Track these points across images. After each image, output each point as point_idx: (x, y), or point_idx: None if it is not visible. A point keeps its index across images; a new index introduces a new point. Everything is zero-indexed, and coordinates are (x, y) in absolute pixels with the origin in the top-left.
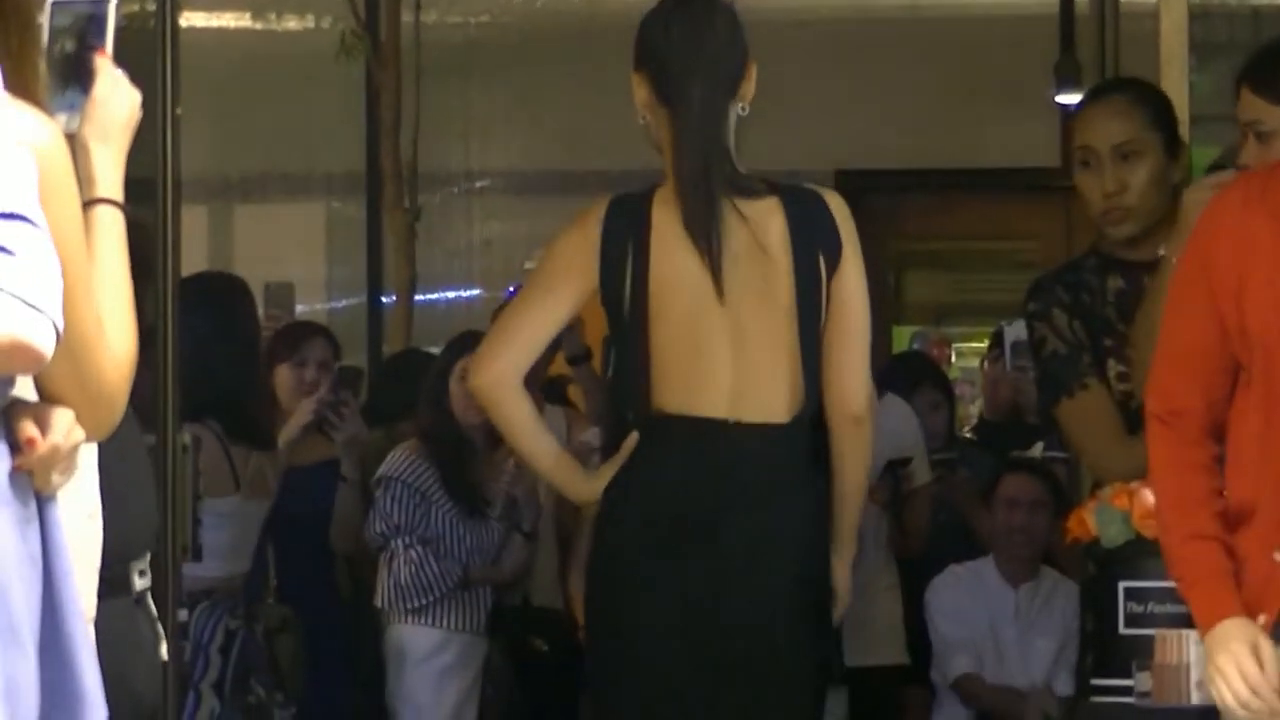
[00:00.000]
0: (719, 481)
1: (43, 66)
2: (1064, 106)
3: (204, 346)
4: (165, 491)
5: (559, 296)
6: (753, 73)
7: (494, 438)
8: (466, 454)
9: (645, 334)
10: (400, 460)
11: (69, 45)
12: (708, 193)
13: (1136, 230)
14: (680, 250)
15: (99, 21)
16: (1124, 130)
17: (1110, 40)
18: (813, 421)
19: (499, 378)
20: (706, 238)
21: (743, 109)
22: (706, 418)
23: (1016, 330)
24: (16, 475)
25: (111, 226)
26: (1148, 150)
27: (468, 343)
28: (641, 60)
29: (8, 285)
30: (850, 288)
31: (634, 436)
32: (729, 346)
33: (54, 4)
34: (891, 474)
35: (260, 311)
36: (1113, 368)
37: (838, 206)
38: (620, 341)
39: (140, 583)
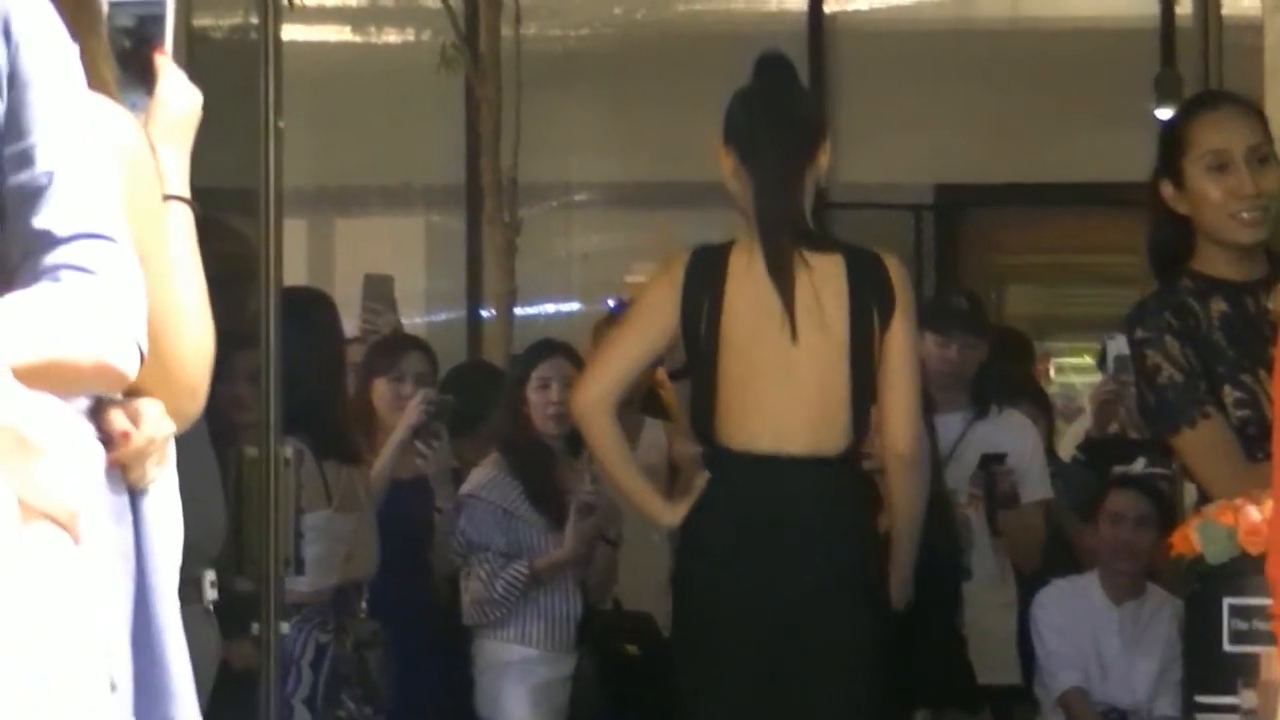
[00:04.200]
0: (776, 512)
1: (111, 56)
2: (1165, 121)
3: (290, 361)
4: (268, 505)
5: (646, 334)
6: (828, 146)
7: (574, 445)
8: (547, 463)
9: (715, 371)
10: (483, 478)
11: (128, 45)
12: (784, 245)
13: (1266, 235)
14: (751, 297)
15: (158, 21)
16: (1259, 133)
17: (1214, 54)
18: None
19: (594, 404)
20: (785, 285)
21: (820, 180)
22: (760, 454)
23: (1118, 344)
24: (109, 469)
25: (184, 222)
26: (1272, 157)
27: (543, 351)
28: (728, 134)
29: (92, 307)
30: (899, 342)
31: (705, 475)
32: (787, 385)
33: (112, 4)
34: (986, 471)
35: (359, 304)
36: (1229, 394)
37: (895, 269)
38: (695, 376)
39: (211, 593)
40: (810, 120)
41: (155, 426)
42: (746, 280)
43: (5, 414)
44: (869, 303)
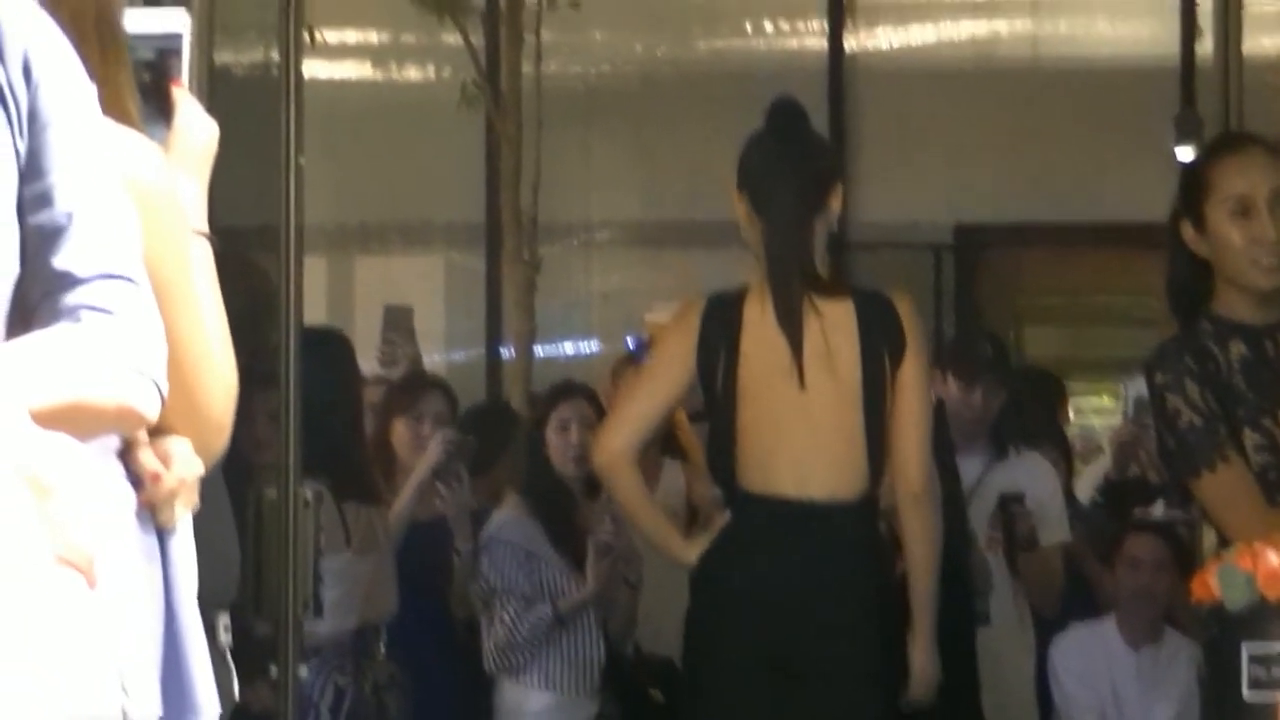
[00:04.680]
0: (793, 557)
1: (136, 90)
2: (1187, 162)
3: (307, 402)
4: (287, 547)
5: (664, 383)
6: (839, 192)
7: (592, 486)
8: (568, 504)
9: (733, 418)
10: (504, 520)
11: (147, 78)
12: (794, 292)
13: None
14: (766, 344)
15: (176, 54)
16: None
17: (1234, 93)
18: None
19: (617, 456)
20: (794, 333)
21: (832, 225)
22: (783, 497)
23: (1138, 386)
24: (139, 510)
25: (204, 257)
26: None
27: (563, 393)
28: (741, 180)
29: (113, 348)
30: (910, 382)
31: (726, 512)
32: (804, 431)
33: (132, 38)
34: (1005, 512)
35: (378, 335)
36: (1249, 438)
37: (906, 311)
38: (713, 423)
39: (225, 636)
40: (821, 166)
41: (185, 467)
42: (759, 327)
43: (22, 456)
44: (880, 346)
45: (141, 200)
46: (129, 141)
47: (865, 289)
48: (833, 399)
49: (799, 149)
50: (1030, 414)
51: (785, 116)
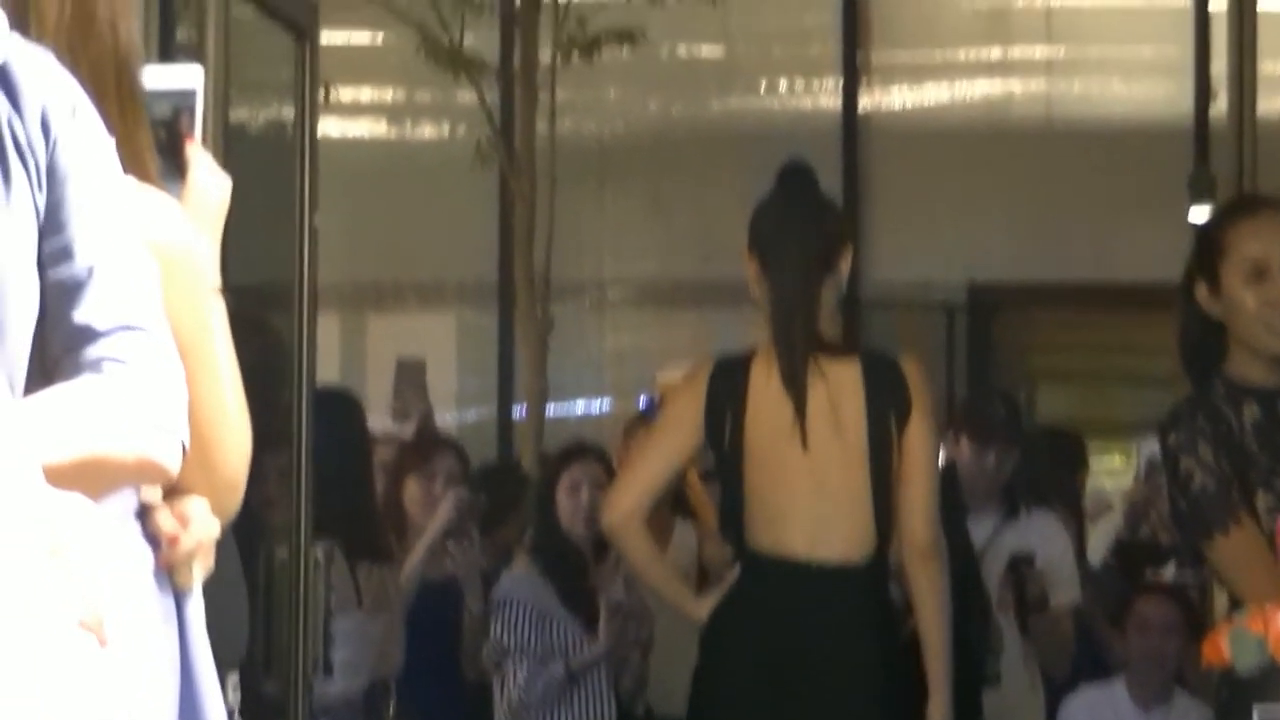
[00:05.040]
0: (802, 619)
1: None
2: (1202, 223)
3: (319, 463)
4: (297, 606)
5: (672, 446)
6: (849, 254)
7: (602, 546)
8: (579, 564)
9: (741, 479)
10: (515, 581)
11: (161, 135)
12: (797, 355)
13: None
14: (772, 406)
15: (188, 111)
16: None
17: (1248, 154)
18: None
19: (625, 518)
20: (798, 395)
21: (841, 287)
22: (790, 560)
23: (1150, 447)
24: (157, 571)
25: (219, 315)
26: None
27: (573, 454)
28: (751, 242)
29: (134, 402)
30: (916, 442)
31: (736, 569)
32: (810, 492)
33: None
34: (1015, 573)
35: (390, 384)
36: (1262, 500)
37: (912, 372)
38: (723, 484)
39: (233, 697)
40: (830, 229)
41: (203, 528)
42: (765, 389)
43: (37, 515)
44: (886, 408)
45: (162, 259)
46: (149, 200)
47: (873, 350)
48: (838, 460)
49: (808, 212)
50: (1047, 473)
51: (795, 179)
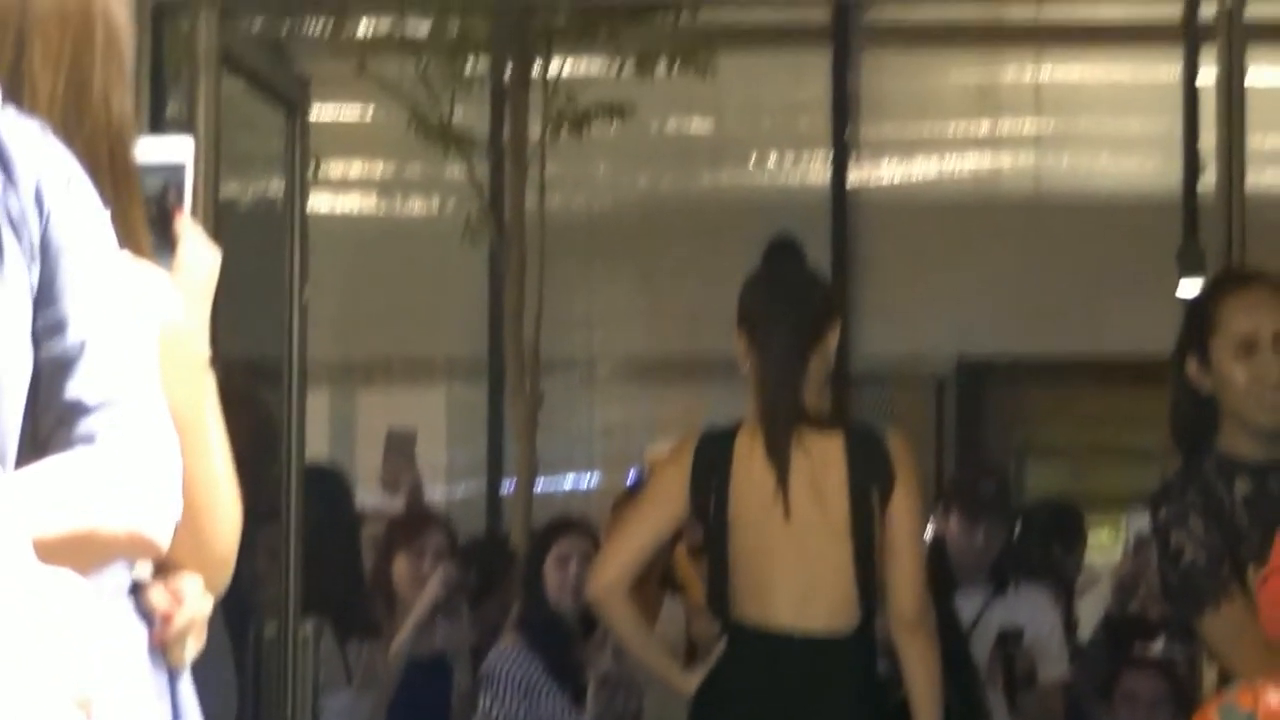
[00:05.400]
0: (788, 690)
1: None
2: (1193, 297)
3: (307, 540)
4: (285, 683)
5: (657, 517)
6: (836, 329)
7: (590, 620)
8: (566, 638)
9: (726, 550)
10: (504, 656)
11: (151, 208)
12: (782, 428)
13: None
14: (756, 478)
15: (177, 185)
16: None
17: (1237, 229)
18: (872, 637)
19: (609, 589)
20: (781, 467)
21: (829, 362)
22: (776, 631)
23: (1138, 522)
24: (151, 650)
25: (211, 389)
26: None
27: (561, 529)
28: (740, 317)
29: (123, 476)
30: (899, 516)
31: (723, 641)
32: (795, 563)
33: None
34: (1004, 648)
35: (380, 458)
36: (1253, 574)
37: (896, 446)
38: (709, 555)
39: None
40: (817, 305)
41: (196, 605)
42: (749, 461)
43: (26, 591)
44: (868, 482)
45: (156, 334)
46: (143, 276)
47: (858, 425)
48: (821, 532)
49: (795, 287)
50: (1043, 547)
51: (782, 253)
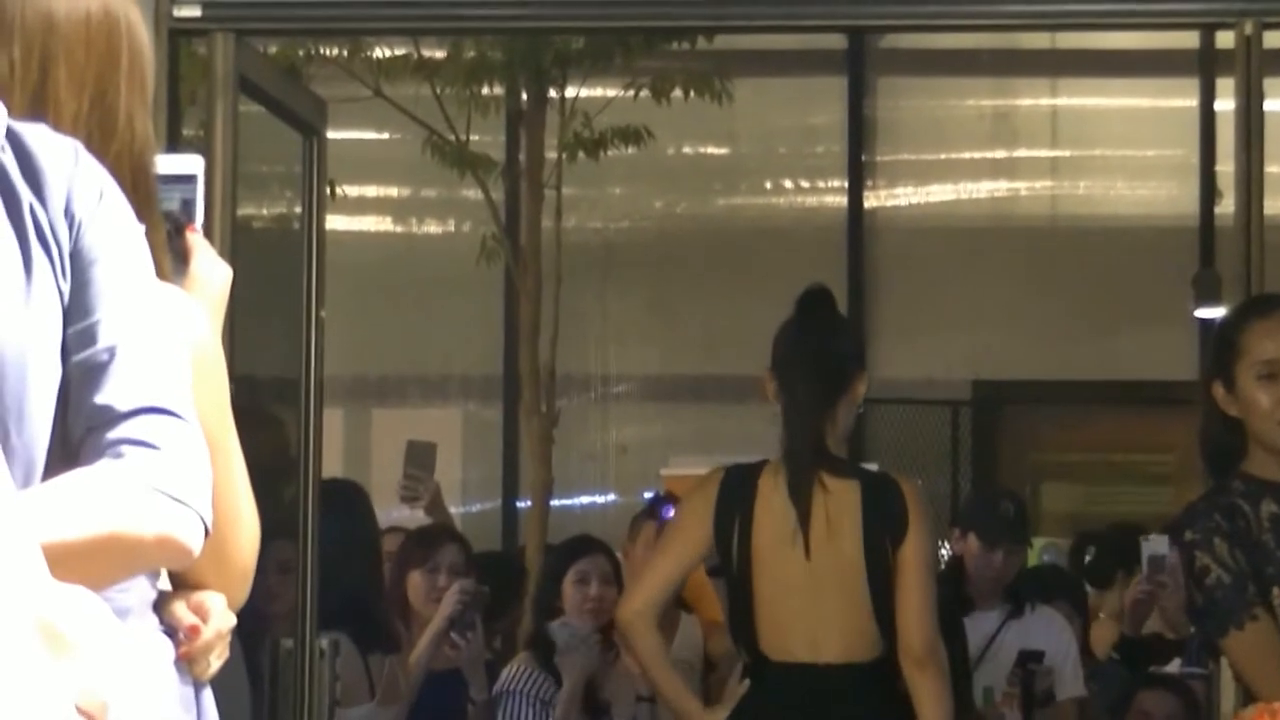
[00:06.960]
0: (813, 715)
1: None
2: (1203, 321)
3: (326, 555)
4: (302, 697)
5: (683, 550)
6: (863, 379)
7: (605, 638)
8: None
9: (749, 584)
10: (518, 673)
11: (169, 228)
12: (804, 470)
13: None
14: (777, 514)
15: (188, 202)
16: None
17: (1255, 255)
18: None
19: (638, 616)
20: (802, 506)
21: (859, 408)
22: (798, 662)
23: (1153, 545)
24: (177, 661)
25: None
26: None
27: (582, 548)
28: (772, 362)
29: (154, 481)
30: (910, 557)
31: (745, 681)
32: (813, 598)
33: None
34: (1024, 669)
35: (400, 471)
36: (1278, 596)
37: (910, 494)
38: (731, 590)
39: None
40: (845, 356)
41: (221, 620)
42: (771, 498)
43: (38, 608)
44: (881, 526)
45: (188, 353)
46: (169, 295)
47: (874, 472)
48: (837, 570)
49: (824, 337)
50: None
51: (814, 303)
